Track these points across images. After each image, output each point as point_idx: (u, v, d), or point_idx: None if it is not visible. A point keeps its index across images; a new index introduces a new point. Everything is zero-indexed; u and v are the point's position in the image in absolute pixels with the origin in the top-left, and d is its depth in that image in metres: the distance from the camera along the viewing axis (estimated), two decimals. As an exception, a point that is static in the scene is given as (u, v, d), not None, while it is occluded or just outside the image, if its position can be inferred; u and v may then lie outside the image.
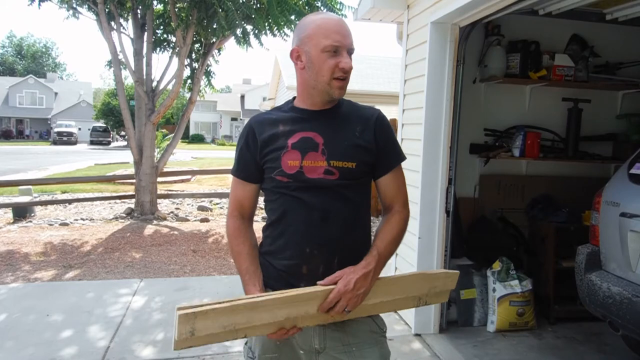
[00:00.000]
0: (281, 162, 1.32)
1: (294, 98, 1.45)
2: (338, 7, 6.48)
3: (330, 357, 1.36)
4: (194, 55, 7.84)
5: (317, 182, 1.31)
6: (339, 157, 1.32)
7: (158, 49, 7.92)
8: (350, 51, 1.32)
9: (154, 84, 7.54)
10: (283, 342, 1.38)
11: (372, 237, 1.41)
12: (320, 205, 1.31)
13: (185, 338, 1.11)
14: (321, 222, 1.31)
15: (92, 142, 33.36)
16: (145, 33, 7.35)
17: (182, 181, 11.99)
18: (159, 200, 7.98)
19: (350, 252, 1.34)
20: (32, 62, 58.63)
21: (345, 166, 1.32)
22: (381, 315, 1.45)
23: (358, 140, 1.36)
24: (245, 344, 1.49)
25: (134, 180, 7.77)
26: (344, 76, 1.31)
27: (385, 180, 1.41)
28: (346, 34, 1.31)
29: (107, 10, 6.89)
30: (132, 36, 7.46)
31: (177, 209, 8.40)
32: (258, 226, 1.39)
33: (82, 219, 7.31)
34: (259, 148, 1.37)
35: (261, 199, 1.46)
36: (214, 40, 7.37)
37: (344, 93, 1.36)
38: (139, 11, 7.27)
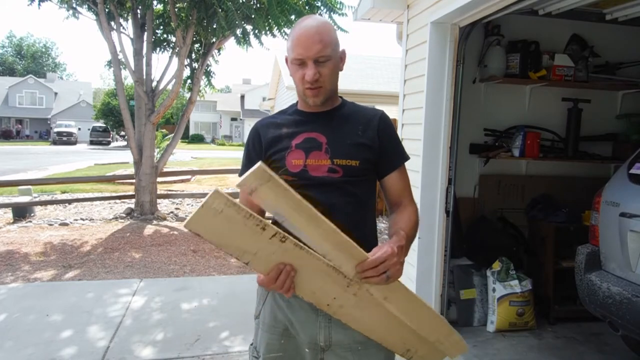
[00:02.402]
0: (286, 162, 1.35)
1: (298, 102, 1.48)
2: (338, 7, 6.47)
3: (335, 355, 1.36)
4: (193, 55, 7.84)
5: (321, 180, 1.33)
6: (342, 155, 1.35)
7: (158, 49, 7.92)
8: (319, 59, 1.31)
9: (154, 84, 7.54)
10: (287, 340, 1.38)
11: (386, 231, 1.40)
12: (325, 201, 1.32)
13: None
14: (326, 217, 1.31)
15: (91, 142, 33.33)
16: (145, 33, 7.35)
17: (182, 181, 11.99)
18: (158, 200, 7.98)
19: None
20: (32, 62, 58.62)
21: (349, 164, 1.34)
22: None
23: (361, 138, 1.38)
24: (251, 344, 1.49)
25: (133, 180, 7.76)
26: (311, 86, 1.34)
27: (390, 179, 1.43)
28: (309, 45, 1.30)
29: (107, 10, 6.89)
30: (132, 36, 7.46)
31: (177, 209, 8.39)
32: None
33: (81, 219, 7.31)
34: (264, 149, 1.40)
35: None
36: (214, 40, 7.37)
37: (319, 100, 1.37)
38: (138, 11, 7.27)
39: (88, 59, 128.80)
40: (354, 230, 1.35)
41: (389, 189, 1.44)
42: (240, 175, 1.44)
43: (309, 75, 1.32)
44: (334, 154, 1.34)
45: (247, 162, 1.44)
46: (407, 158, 1.47)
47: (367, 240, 1.40)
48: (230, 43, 7.76)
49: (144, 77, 7.37)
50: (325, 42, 1.32)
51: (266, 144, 1.40)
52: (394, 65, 14.13)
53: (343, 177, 1.34)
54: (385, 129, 1.43)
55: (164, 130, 17.73)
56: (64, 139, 33.24)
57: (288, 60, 1.39)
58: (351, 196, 1.35)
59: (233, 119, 43.72)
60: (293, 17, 6.35)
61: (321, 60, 1.32)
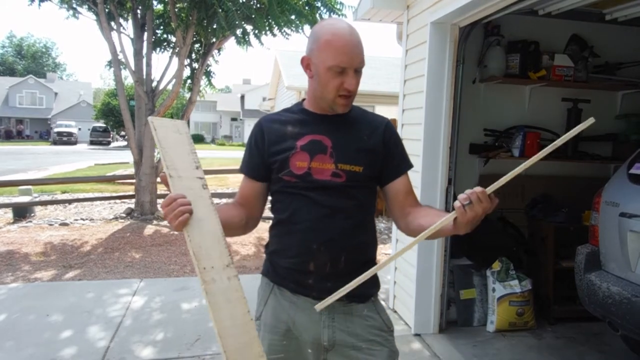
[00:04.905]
0: (289, 163, 1.34)
1: (304, 100, 1.46)
2: (338, 7, 6.48)
3: (339, 355, 1.36)
4: (194, 55, 7.84)
5: (324, 183, 1.33)
6: (346, 160, 1.34)
7: (158, 49, 7.92)
8: (358, 69, 1.32)
9: (154, 84, 7.54)
10: (290, 341, 1.38)
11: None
12: (327, 203, 1.32)
13: None
14: (328, 219, 1.32)
15: (92, 142, 33.31)
16: (145, 33, 7.35)
17: (182, 181, 11.97)
18: (159, 200, 7.97)
19: (356, 250, 1.34)
20: (32, 62, 58.61)
21: (352, 169, 1.34)
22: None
23: (366, 144, 1.38)
24: None
25: (133, 180, 7.77)
26: (348, 94, 1.32)
27: (397, 185, 1.41)
28: (355, 54, 1.29)
29: (107, 10, 6.90)
30: (132, 36, 7.47)
31: (177, 209, 8.38)
32: (264, 226, 1.38)
33: (82, 219, 7.31)
34: (267, 147, 1.38)
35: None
36: (214, 40, 7.37)
37: (348, 109, 1.37)
38: (139, 11, 7.28)
39: (88, 59, 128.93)
40: (355, 232, 1.35)
41: (396, 194, 1.42)
42: (240, 169, 1.46)
43: (352, 85, 1.30)
44: (338, 159, 1.34)
45: (249, 158, 1.43)
46: (411, 166, 1.47)
47: (367, 243, 1.41)
48: (230, 43, 7.79)
49: (144, 77, 7.37)
50: (363, 52, 1.33)
51: (269, 141, 1.38)
52: (394, 66, 14.12)
53: (346, 182, 1.33)
54: (391, 136, 1.43)
55: (164, 131, 17.68)
56: (64, 139, 33.22)
57: (315, 64, 1.32)
58: (353, 198, 1.35)
59: (233, 119, 43.74)
60: (293, 17, 6.36)
61: (359, 70, 1.32)
